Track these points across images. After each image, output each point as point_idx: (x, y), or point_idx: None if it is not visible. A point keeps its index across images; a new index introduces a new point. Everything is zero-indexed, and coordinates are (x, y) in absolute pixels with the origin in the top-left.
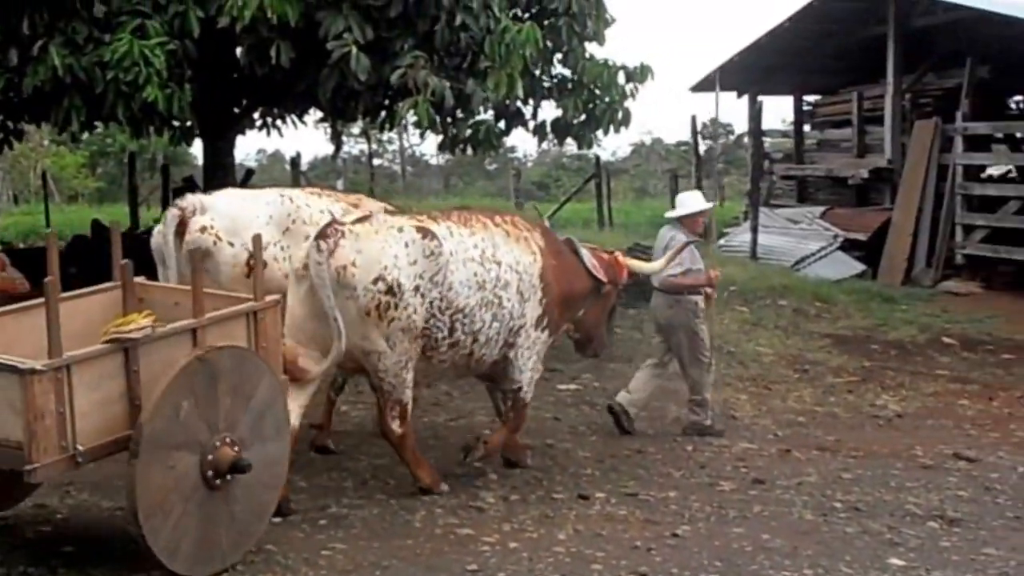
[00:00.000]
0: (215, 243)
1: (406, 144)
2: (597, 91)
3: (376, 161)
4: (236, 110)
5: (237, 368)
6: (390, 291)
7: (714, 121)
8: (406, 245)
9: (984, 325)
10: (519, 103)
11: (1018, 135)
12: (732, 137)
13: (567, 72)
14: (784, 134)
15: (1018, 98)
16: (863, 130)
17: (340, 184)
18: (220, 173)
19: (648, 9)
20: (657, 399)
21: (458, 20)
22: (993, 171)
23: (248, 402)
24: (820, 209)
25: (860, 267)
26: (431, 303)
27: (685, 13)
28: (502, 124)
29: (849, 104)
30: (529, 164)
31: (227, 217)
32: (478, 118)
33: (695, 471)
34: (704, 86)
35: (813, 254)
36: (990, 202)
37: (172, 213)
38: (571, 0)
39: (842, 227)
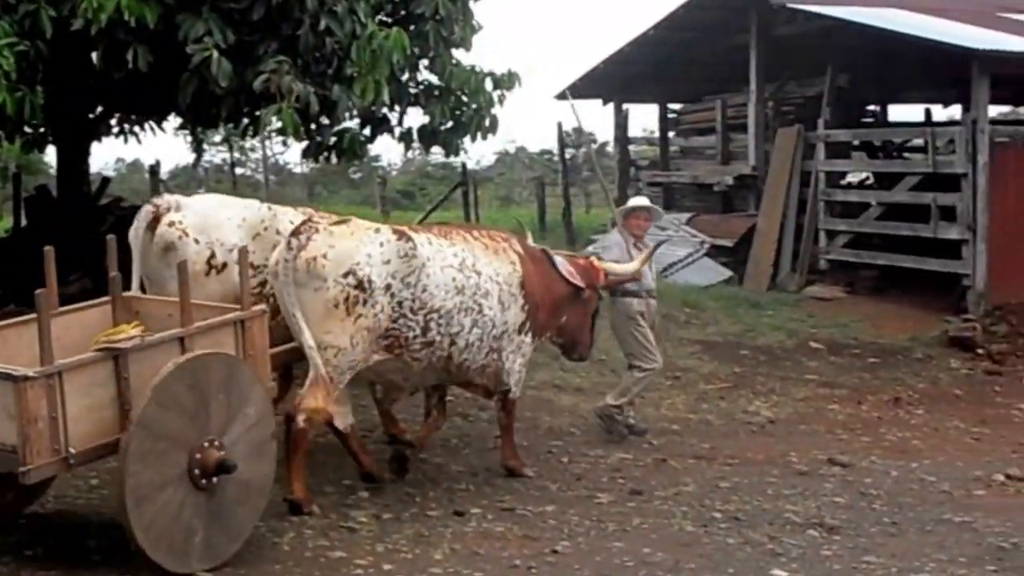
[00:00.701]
0: (180, 237)
1: (269, 152)
2: (464, 97)
3: (239, 170)
4: (91, 116)
5: (223, 374)
6: (360, 286)
7: (577, 130)
8: (380, 245)
9: (849, 329)
10: (385, 109)
11: (875, 143)
12: (595, 145)
13: (434, 78)
14: (649, 141)
15: (874, 107)
16: (727, 137)
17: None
18: (74, 181)
19: (514, 17)
20: (531, 409)
21: (323, 25)
22: (852, 178)
23: (234, 406)
24: (686, 216)
25: (727, 273)
26: (400, 303)
27: (551, 21)
28: (368, 131)
29: (713, 112)
30: (394, 173)
31: (199, 215)
32: (343, 125)
33: (572, 483)
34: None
35: (680, 260)
36: (852, 208)
37: (147, 209)
38: (438, 5)
39: (708, 233)
